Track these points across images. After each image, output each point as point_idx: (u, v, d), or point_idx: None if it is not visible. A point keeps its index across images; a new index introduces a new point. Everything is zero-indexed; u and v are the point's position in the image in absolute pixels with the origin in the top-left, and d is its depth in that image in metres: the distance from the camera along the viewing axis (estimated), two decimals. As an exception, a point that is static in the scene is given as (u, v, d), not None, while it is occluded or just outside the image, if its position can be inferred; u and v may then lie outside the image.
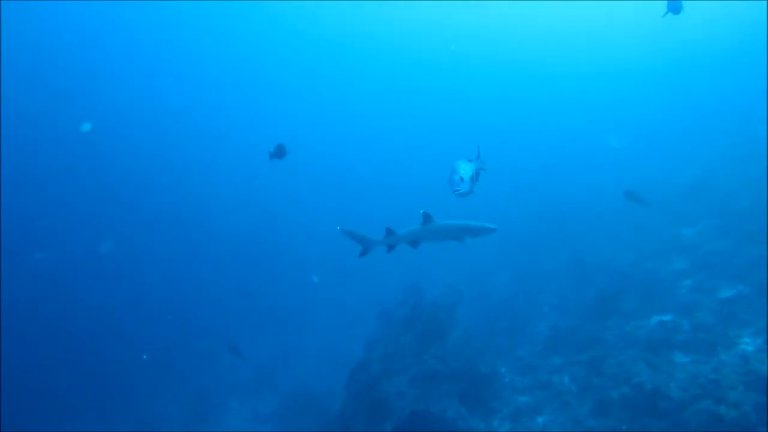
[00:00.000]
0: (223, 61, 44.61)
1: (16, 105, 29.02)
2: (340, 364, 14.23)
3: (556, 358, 10.69)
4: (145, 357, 18.69)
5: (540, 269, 15.51)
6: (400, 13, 41.11)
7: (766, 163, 14.18)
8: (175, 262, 26.72)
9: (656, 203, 16.44)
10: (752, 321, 8.65)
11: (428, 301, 11.86)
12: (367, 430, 9.37)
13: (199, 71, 44.60)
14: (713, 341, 8.63)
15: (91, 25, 34.12)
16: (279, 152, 9.22)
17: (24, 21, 29.09)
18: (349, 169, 39.94)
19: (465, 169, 5.44)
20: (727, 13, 42.12)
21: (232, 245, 28.38)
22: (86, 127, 25.62)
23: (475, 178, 5.57)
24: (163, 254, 27.46)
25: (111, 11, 33.00)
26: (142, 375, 18.86)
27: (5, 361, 16.99)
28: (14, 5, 26.98)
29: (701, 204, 15.08)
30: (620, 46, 47.22)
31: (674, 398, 7.49)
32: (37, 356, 18.72)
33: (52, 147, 31.78)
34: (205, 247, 28.96)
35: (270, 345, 20.19)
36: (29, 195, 28.77)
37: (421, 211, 6.74)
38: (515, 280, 15.76)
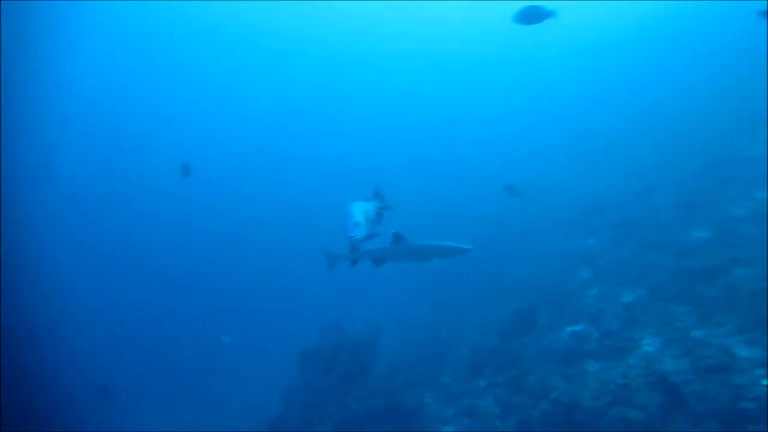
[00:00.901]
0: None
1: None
2: (264, 422, 13.21)
3: (480, 380, 10.57)
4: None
5: (459, 294, 15.59)
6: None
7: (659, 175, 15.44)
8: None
9: (562, 220, 17.43)
10: (650, 323, 9.04)
11: (348, 338, 11.41)
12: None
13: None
14: (620, 347, 8.88)
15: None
16: (186, 170, 9.67)
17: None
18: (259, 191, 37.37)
19: (359, 212, 5.15)
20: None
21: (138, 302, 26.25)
22: None
23: (375, 218, 5.32)
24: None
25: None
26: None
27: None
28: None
29: (601, 217, 16.04)
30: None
31: (588, 408, 7.54)
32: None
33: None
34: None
35: (192, 407, 18.51)
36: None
37: (392, 231, 6.47)
38: (436, 307, 15.70)
